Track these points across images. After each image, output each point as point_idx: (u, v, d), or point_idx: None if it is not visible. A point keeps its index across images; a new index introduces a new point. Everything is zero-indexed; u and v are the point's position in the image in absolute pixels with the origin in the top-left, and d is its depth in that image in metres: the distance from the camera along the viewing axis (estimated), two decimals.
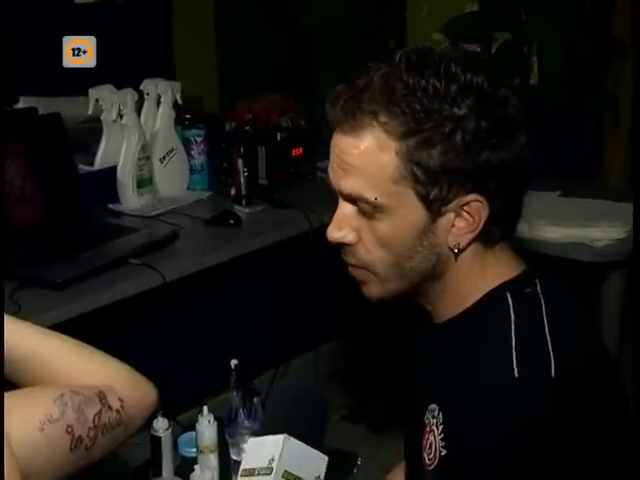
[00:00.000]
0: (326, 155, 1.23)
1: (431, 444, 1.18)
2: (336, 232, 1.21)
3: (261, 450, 1.10)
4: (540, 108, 3.17)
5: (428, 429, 1.19)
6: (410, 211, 1.16)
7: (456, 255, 1.19)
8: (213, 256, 2.42)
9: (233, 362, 2.10)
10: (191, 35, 3.64)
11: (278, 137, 2.78)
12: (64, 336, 1.24)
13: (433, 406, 1.19)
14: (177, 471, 2.05)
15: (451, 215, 1.16)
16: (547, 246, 2.40)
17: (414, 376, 1.35)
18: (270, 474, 1.06)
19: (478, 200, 1.15)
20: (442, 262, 1.20)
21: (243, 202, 2.67)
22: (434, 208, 1.15)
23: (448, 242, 1.18)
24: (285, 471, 1.07)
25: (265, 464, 1.07)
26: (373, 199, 1.16)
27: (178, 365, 2.87)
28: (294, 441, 1.09)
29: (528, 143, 1.17)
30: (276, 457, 1.07)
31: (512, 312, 1.17)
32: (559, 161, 2.91)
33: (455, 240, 1.18)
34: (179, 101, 2.72)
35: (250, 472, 1.09)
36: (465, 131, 1.12)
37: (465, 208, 1.16)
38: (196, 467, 1.97)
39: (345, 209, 1.21)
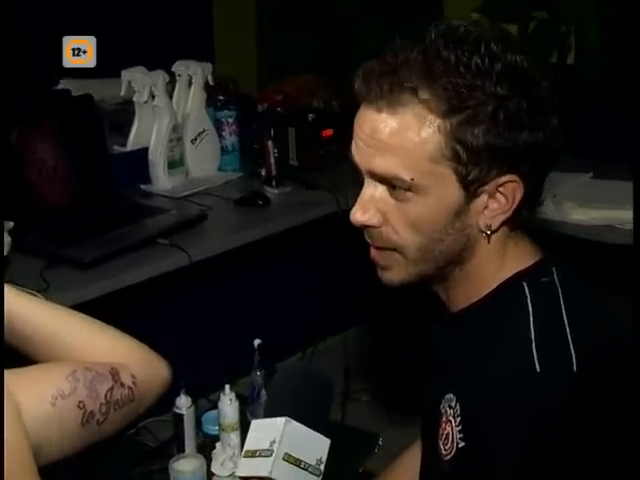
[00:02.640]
0: None
1: (448, 434, 1.16)
2: (361, 215, 1.17)
3: (263, 432, 1.10)
4: (577, 89, 3.13)
5: (444, 419, 1.18)
6: (446, 192, 1.13)
7: (488, 237, 1.16)
8: (240, 237, 2.43)
9: (256, 342, 2.14)
10: (232, 18, 3.66)
11: (309, 118, 2.77)
12: (79, 314, 1.27)
13: (450, 396, 1.17)
14: (200, 448, 2.09)
15: (485, 196, 1.14)
16: (575, 228, 2.37)
17: (427, 365, 1.34)
18: (271, 456, 1.07)
19: (515, 181, 1.13)
20: (469, 246, 1.18)
21: (273, 183, 2.67)
22: (471, 189, 1.13)
23: (479, 224, 1.16)
24: (286, 453, 1.07)
25: (267, 446, 1.08)
26: (409, 179, 1.12)
27: (204, 344, 2.89)
28: (295, 424, 1.09)
29: (559, 125, 1.14)
30: (277, 439, 1.07)
31: (530, 302, 1.15)
32: (596, 143, 2.87)
33: (487, 221, 1.15)
34: (211, 82, 2.73)
35: (252, 453, 1.10)
36: (507, 110, 1.09)
37: (500, 189, 1.14)
38: (218, 445, 2.00)
39: (372, 190, 1.16)
